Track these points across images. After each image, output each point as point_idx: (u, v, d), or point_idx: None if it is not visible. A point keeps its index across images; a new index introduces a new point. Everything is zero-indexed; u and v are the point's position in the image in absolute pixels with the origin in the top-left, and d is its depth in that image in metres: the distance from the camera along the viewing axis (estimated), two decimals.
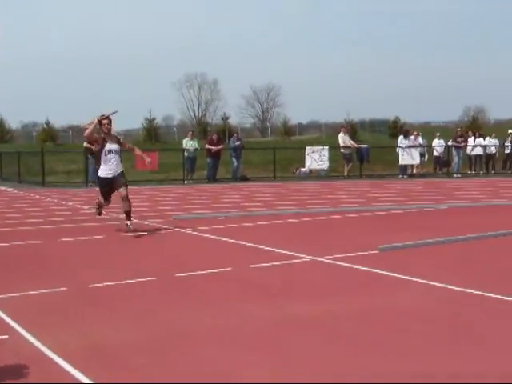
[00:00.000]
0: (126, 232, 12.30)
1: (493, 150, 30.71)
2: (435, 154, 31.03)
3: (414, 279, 8.19)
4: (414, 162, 28.95)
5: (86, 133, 12.47)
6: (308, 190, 22.12)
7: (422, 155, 29.62)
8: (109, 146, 12.31)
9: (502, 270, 8.86)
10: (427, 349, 5.51)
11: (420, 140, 30.26)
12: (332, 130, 73.59)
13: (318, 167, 28.55)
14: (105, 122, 12.33)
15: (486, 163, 30.65)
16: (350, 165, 28.14)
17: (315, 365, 5.19)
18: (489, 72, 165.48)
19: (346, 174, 27.87)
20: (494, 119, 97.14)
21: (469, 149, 30.57)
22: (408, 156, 28.50)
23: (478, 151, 30.52)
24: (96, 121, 12.40)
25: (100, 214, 13.35)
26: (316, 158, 28.12)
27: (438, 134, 31.70)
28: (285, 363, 5.22)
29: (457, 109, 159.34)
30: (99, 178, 12.69)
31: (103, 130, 12.36)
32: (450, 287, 7.74)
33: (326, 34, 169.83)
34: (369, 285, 8.07)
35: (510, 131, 32.37)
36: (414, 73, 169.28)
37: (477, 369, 5.04)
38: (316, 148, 28.79)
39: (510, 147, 30.92)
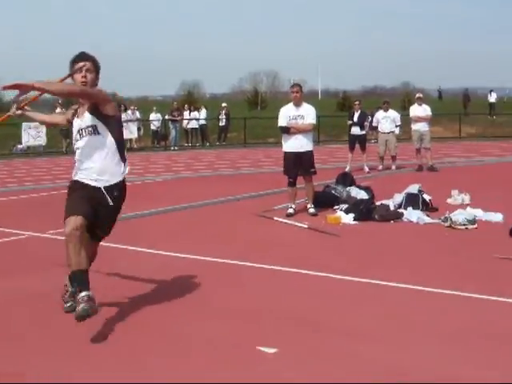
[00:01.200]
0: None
1: (204, 122, 31.93)
2: (152, 127, 31.59)
3: (135, 248, 8.49)
4: (132, 136, 29.35)
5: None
6: (34, 166, 21.59)
7: (138, 129, 30.11)
8: (77, 122, 5.88)
9: (215, 235, 9.46)
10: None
11: (137, 114, 30.64)
12: None
13: (36, 143, 27.91)
14: (80, 64, 5.62)
15: (201, 136, 31.77)
16: (68, 140, 27.77)
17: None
18: (203, 49, 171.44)
19: (64, 149, 27.43)
20: (209, 93, 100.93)
21: (185, 122, 31.48)
22: (126, 130, 28.78)
23: (194, 124, 31.54)
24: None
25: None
26: (33, 134, 27.45)
27: (154, 108, 32.30)
28: None
29: (174, 84, 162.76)
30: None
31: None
32: (172, 254, 8.13)
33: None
34: None
35: (223, 105, 33.84)
36: (132, 47, 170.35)
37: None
38: (33, 124, 28.05)
39: (223, 120, 32.31)
